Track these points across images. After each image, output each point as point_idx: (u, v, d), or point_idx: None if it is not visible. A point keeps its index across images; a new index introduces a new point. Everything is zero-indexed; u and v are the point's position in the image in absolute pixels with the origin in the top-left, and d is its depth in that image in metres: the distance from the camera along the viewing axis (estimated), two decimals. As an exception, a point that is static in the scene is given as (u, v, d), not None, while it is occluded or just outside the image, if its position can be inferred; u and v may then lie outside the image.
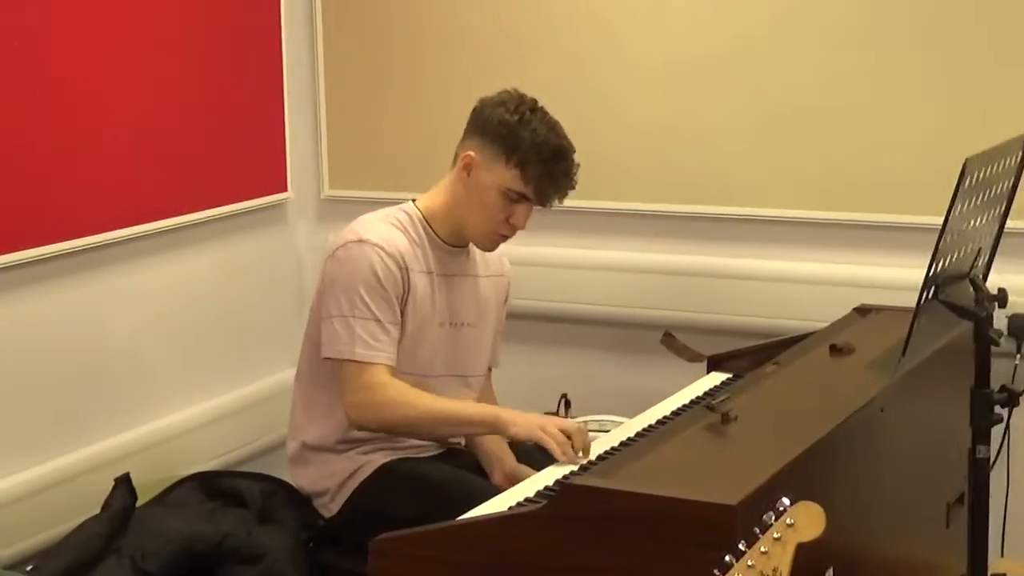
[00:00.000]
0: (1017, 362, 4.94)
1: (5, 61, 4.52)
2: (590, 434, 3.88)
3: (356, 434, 4.09)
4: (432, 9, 5.70)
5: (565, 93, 4.76)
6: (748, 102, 5.32)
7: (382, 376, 3.96)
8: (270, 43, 5.71)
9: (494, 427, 4.03)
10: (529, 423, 3.91)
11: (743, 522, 2.84)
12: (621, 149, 5.36)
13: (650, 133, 5.41)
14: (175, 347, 5.22)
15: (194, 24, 5.29)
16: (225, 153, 5.47)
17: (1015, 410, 4.19)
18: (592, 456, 3.72)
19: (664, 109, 5.41)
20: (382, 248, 4.01)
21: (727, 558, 2.57)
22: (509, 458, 4.11)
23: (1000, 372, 4.19)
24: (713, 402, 3.75)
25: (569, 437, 3.79)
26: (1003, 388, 3.88)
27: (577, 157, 4.10)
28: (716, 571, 2.58)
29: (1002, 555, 4.78)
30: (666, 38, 5.40)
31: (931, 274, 3.62)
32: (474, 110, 4.16)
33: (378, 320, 3.98)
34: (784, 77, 5.27)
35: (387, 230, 4.09)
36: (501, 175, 4.04)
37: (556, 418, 4.18)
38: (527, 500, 3.54)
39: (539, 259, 5.27)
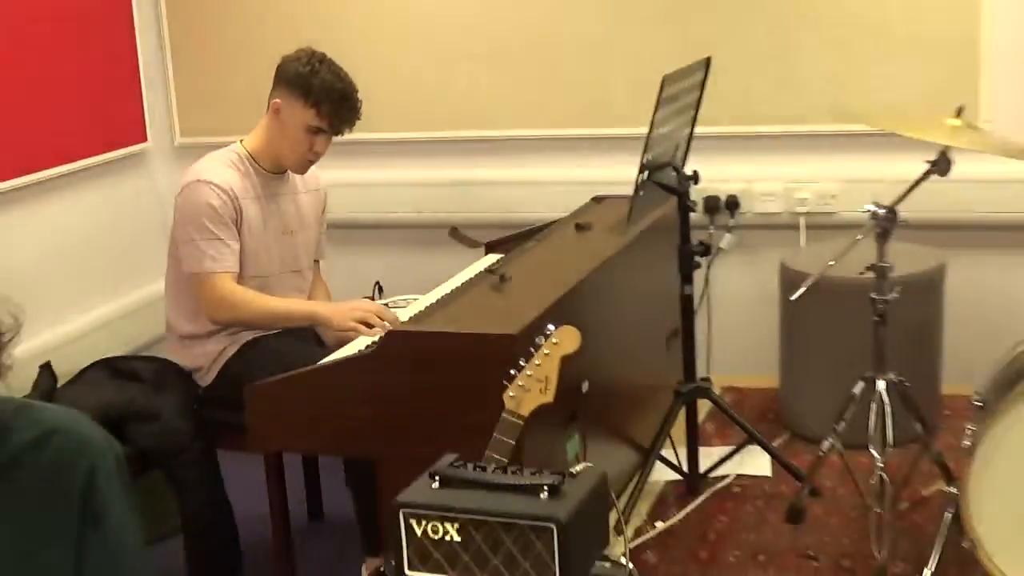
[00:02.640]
0: (711, 230, 5.34)
1: None
2: (395, 309, 4.18)
3: (215, 325, 4.24)
4: None
5: (353, 47, 4.81)
6: (493, 45, 5.55)
7: (227, 283, 4.12)
8: (123, 20, 5.71)
9: (314, 321, 4.25)
10: (341, 314, 4.13)
11: (521, 346, 3.12)
12: (398, 90, 5.56)
13: (422, 77, 5.64)
14: (70, 271, 5.32)
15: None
16: (94, 112, 5.52)
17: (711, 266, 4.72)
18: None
19: (429, 57, 5.63)
20: (216, 185, 4.12)
21: (512, 372, 3.05)
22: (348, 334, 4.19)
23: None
24: (492, 268, 4.08)
25: (373, 315, 4.06)
26: (700, 242, 4.40)
27: (360, 96, 4.21)
28: (505, 382, 3.05)
29: (708, 371, 5.12)
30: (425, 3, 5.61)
31: (643, 162, 4.07)
32: (278, 66, 4.26)
33: (220, 239, 4.10)
34: (517, 17, 5.50)
35: (221, 170, 4.19)
36: (302, 115, 4.16)
37: (363, 301, 4.31)
38: (359, 352, 3.80)
39: (350, 181, 5.44)
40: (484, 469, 2.67)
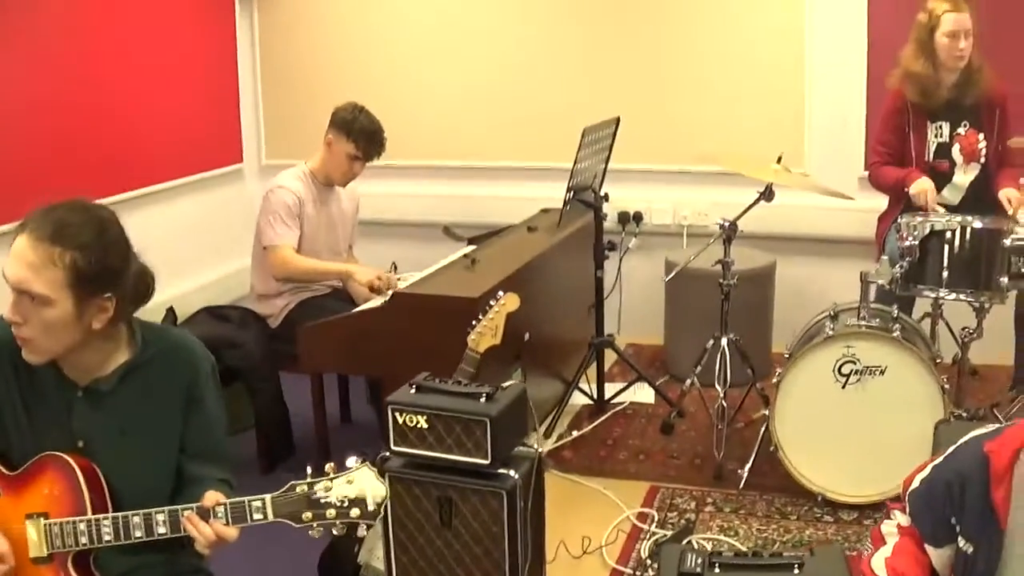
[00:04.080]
0: (622, 235, 5.37)
1: (72, 77, 4.57)
2: (402, 282, 4.11)
3: (284, 287, 4.25)
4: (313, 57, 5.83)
5: (383, 99, 4.78)
6: (472, 90, 5.60)
7: (285, 251, 4.16)
8: (230, 67, 5.75)
9: (344, 275, 4.26)
10: (363, 273, 4.21)
11: (479, 305, 3.28)
12: (412, 131, 5.50)
13: (429, 123, 5.65)
14: (185, 250, 5.37)
15: (175, 41, 5.26)
16: (209, 138, 5.61)
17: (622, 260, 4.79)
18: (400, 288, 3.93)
19: (434, 109, 5.65)
20: (290, 190, 4.19)
21: (473, 322, 3.16)
22: (362, 290, 4.22)
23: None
24: (466, 254, 4.20)
25: (381, 281, 4.16)
26: (609, 242, 4.49)
27: (386, 135, 4.27)
28: (469, 329, 3.15)
29: (618, 333, 5.19)
30: (448, 66, 5.62)
31: (569, 186, 4.16)
32: (332, 114, 4.28)
33: (287, 225, 4.17)
34: (486, 75, 5.56)
35: (294, 182, 4.23)
36: (346, 146, 4.23)
37: (376, 269, 4.28)
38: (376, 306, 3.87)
39: (376, 192, 5.28)
40: (445, 382, 2.81)
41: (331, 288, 4.37)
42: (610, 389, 4.74)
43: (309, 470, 2.12)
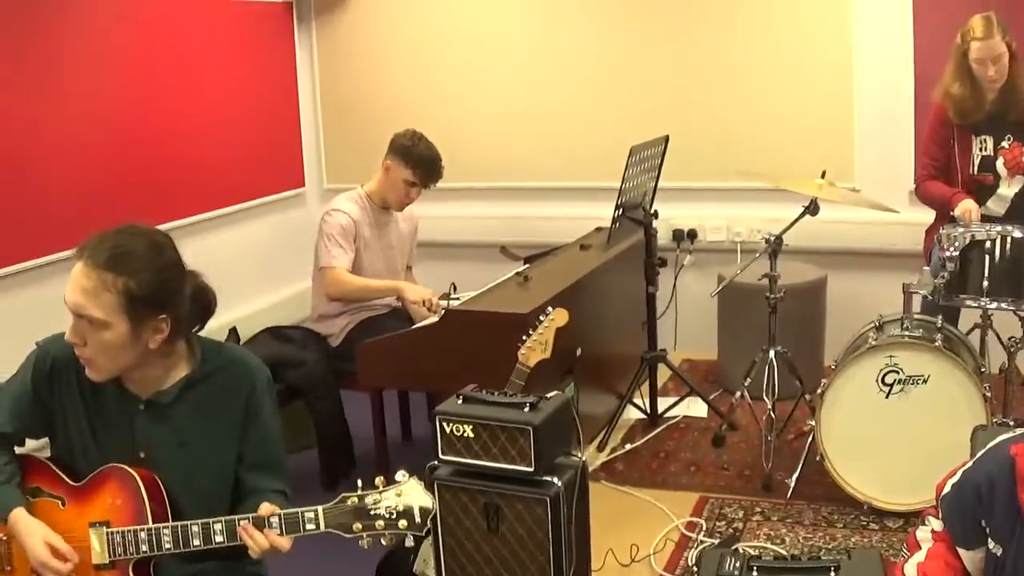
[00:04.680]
0: (677, 252, 5.40)
1: (135, 103, 4.64)
2: (455, 301, 4.00)
3: (344, 307, 4.27)
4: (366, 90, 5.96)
5: (438, 123, 4.76)
6: (526, 113, 5.65)
7: (339, 272, 4.20)
8: (291, 100, 5.86)
9: (396, 292, 4.26)
10: (415, 292, 4.22)
11: (530, 321, 3.26)
12: (469, 155, 5.57)
13: (486, 147, 5.72)
14: (249, 271, 5.44)
15: (236, 67, 5.34)
16: (273, 166, 5.74)
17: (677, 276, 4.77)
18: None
19: (493, 134, 5.72)
20: (345, 213, 4.24)
21: (524, 337, 3.19)
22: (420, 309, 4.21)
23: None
24: (519, 272, 4.24)
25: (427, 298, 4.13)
26: (660, 258, 4.51)
27: (444, 162, 4.32)
28: (519, 344, 3.18)
29: (675, 348, 5.29)
30: (501, 90, 5.70)
31: (618, 203, 4.21)
32: (391, 140, 4.34)
33: (341, 247, 4.21)
34: (539, 98, 5.61)
35: (349, 205, 4.29)
36: (404, 173, 4.28)
37: (427, 289, 4.26)
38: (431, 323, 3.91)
39: (435, 214, 5.28)
40: (492, 393, 2.87)
41: (389, 307, 4.42)
42: (663, 403, 4.76)
43: (360, 483, 2.21)
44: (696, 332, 5.42)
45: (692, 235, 5.49)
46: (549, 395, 2.88)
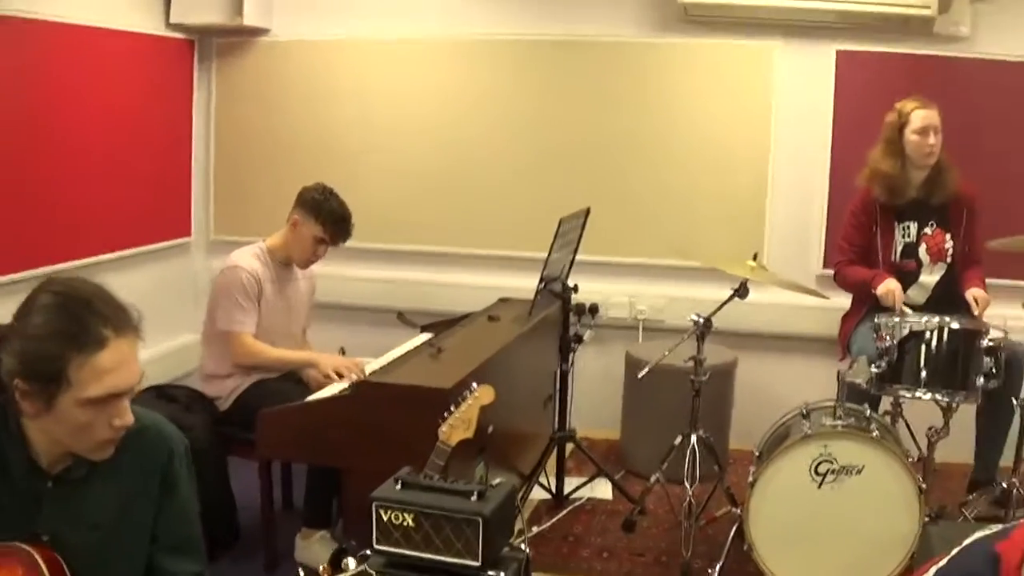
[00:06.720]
0: (577, 327, 4.95)
1: (19, 138, 4.39)
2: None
3: (234, 368, 4.10)
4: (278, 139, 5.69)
5: (337, 180, 4.44)
6: (446, 184, 5.51)
7: (248, 339, 4.06)
8: (183, 139, 5.60)
9: (310, 364, 4.11)
10: (328, 362, 4.08)
11: (452, 396, 3.06)
12: (369, 215, 5.14)
13: (387, 208, 5.54)
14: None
15: (130, 109, 5.12)
16: (159, 212, 5.47)
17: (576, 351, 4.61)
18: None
19: (395, 195, 5.54)
20: (246, 270, 4.07)
21: (445, 414, 3.00)
22: (316, 375, 4.10)
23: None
24: (430, 342, 4.07)
25: (348, 369, 3.98)
26: (575, 334, 4.41)
27: (353, 219, 4.18)
28: (440, 420, 2.98)
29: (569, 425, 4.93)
30: (406, 151, 5.53)
31: (542, 276, 4.12)
32: (299, 193, 4.19)
33: (243, 308, 4.05)
34: (443, 162, 5.48)
35: (250, 260, 4.12)
36: (313, 229, 4.12)
37: (343, 358, 4.17)
38: (339, 393, 3.75)
39: (330, 274, 5.08)
40: (432, 478, 2.66)
41: (285, 371, 4.21)
42: (568, 484, 4.61)
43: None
44: (594, 409, 5.29)
45: (594, 310, 5.26)
46: (494, 482, 2.66)
